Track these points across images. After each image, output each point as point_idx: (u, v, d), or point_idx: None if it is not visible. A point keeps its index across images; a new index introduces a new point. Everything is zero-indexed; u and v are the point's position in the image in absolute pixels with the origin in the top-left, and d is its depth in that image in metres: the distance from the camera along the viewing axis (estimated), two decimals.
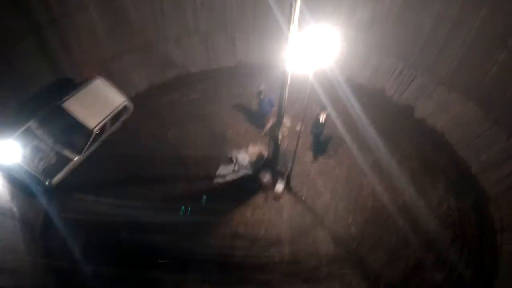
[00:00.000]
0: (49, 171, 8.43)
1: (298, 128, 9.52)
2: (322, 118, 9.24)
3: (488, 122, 9.36)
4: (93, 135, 8.80)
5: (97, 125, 8.87)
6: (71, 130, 8.73)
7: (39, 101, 9.02)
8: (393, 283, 8.33)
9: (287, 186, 9.41)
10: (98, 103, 9.17)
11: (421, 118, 10.88)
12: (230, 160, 9.77)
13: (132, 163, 9.59)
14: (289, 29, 5.09)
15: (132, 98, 10.12)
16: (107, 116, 9.11)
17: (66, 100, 8.76)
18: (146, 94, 11.12)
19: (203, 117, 10.74)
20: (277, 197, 9.27)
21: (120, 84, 9.88)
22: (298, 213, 9.21)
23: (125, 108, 9.63)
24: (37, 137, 8.50)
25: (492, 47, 8.71)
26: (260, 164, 9.62)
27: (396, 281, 8.35)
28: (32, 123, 8.53)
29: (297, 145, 8.20)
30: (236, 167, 9.61)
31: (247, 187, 9.44)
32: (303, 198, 9.39)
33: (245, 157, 9.77)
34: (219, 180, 9.50)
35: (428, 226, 9.01)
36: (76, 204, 8.85)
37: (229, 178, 9.51)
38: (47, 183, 8.34)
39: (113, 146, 9.58)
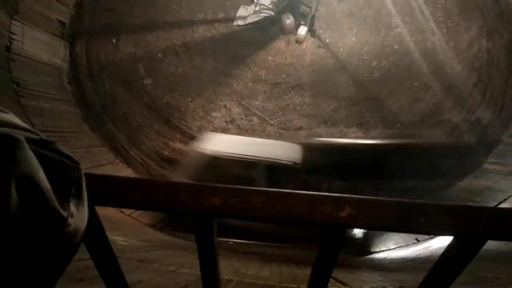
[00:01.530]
0: None
1: None
2: None
3: None
4: None
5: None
6: None
7: None
8: (410, 123, 8.60)
9: (311, 28, 8.95)
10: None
11: None
12: (250, 0, 9.09)
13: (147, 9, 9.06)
14: None
15: None
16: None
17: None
18: None
19: None
20: (300, 41, 8.94)
21: None
22: (320, 57, 8.99)
23: None
24: None
25: None
26: (283, 4, 8.96)
27: (413, 122, 8.59)
28: None
29: None
30: (257, 8, 8.98)
31: (268, 29, 9.01)
32: (327, 42, 9.03)
33: None
34: (239, 23, 9.03)
35: (452, 69, 8.78)
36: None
37: (249, 20, 8.99)
38: None
39: None
